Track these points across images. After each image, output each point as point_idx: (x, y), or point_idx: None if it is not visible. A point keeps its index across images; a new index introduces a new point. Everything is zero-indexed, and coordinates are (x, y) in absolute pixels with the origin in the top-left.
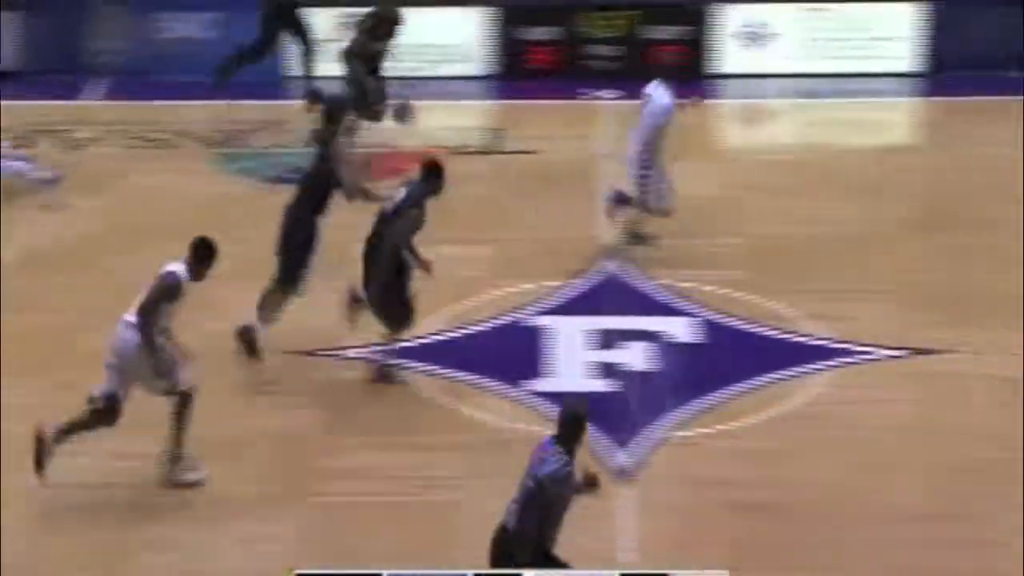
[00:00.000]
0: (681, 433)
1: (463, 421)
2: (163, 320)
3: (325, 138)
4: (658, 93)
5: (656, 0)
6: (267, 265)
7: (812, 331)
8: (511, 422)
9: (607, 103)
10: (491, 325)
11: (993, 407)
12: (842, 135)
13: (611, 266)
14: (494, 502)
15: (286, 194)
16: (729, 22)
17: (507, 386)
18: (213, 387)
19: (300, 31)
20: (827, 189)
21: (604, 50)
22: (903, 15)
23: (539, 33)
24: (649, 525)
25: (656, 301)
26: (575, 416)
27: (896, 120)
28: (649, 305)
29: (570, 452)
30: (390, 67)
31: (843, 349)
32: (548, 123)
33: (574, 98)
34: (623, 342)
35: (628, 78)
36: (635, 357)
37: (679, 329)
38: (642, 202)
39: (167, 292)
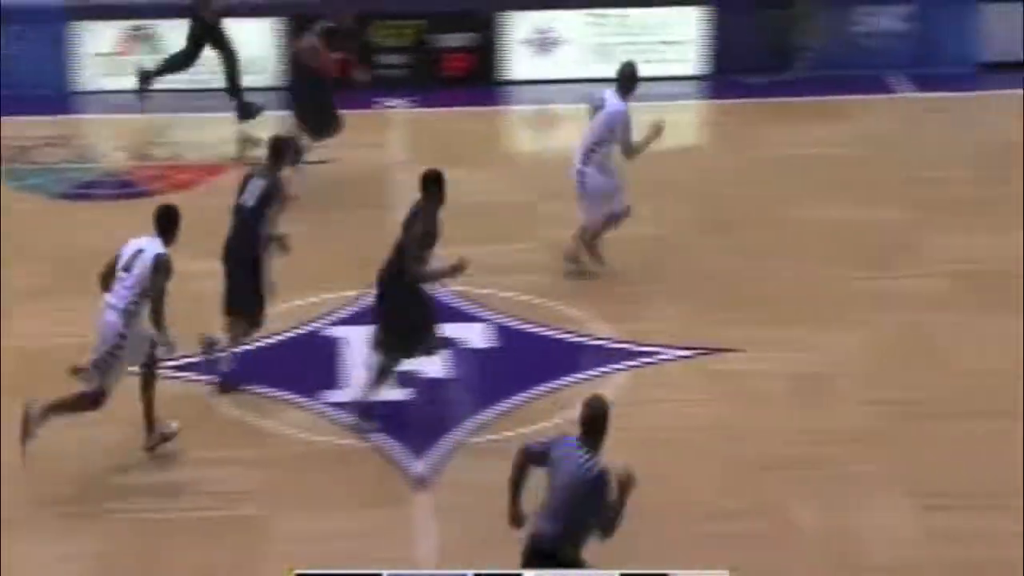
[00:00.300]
0: (479, 439)
1: (263, 434)
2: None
3: (272, 167)
4: (612, 100)
5: (444, 9)
6: (59, 281)
7: (608, 333)
8: (311, 434)
9: (399, 112)
10: (287, 337)
11: (786, 404)
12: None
13: None
14: (299, 515)
15: (74, 210)
16: (517, 29)
17: (305, 398)
18: (12, 405)
19: (223, 46)
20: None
21: (394, 59)
22: (687, 19)
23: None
24: (450, 531)
25: (451, 308)
26: (596, 414)
27: (683, 122)
28: (444, 312)
29: (594, 449)
30: (184, 80)
31: (639, 350)
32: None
33: (366, 107)
34: None
35: (419, 87)
36: (431, 364)
37: (475, 335)
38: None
39: (167, 272)
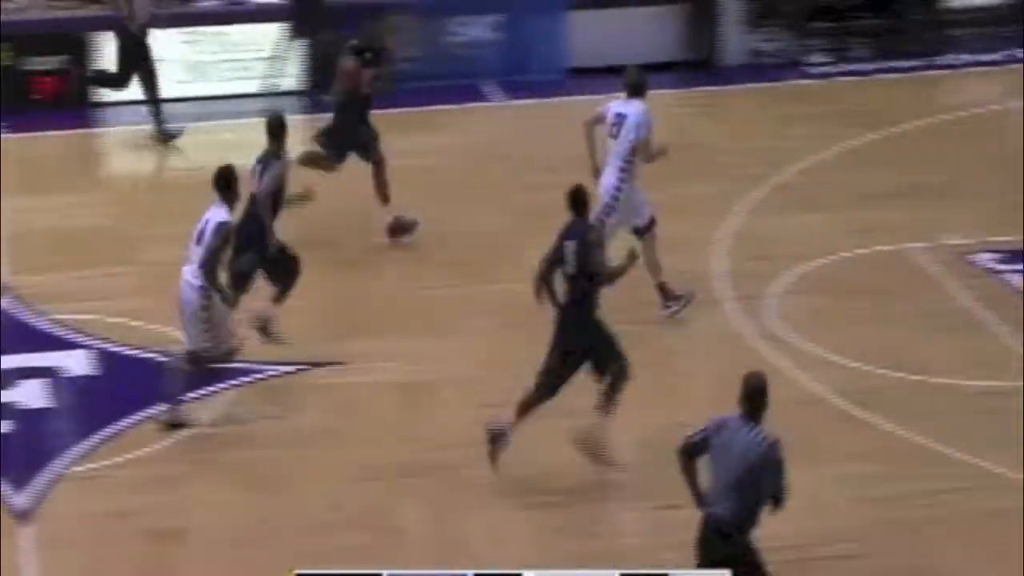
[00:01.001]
0: (83, 467)
1: None
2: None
3: (273, 153)
4: (632, 109)
5: (32, 31)
6: None
7: None
8: None
9: None
10: None
11: (393, 414)
12: (232, 157)
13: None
14: None
15: None
16: (109, 50)
17: None
18: None
19: (145, 62)
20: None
21: None
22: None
23: None
24: (54, 563)
25: (50, 335)
26: (756, 389)
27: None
28: (42, 340)
29: (758, 423)
30: None
31: (244, 368)
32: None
33: None
34: (17, 380)
35: (7, 111)
36: (31, 395)
37: (75, 362)
38: (604, 214)
39: (226, 239)
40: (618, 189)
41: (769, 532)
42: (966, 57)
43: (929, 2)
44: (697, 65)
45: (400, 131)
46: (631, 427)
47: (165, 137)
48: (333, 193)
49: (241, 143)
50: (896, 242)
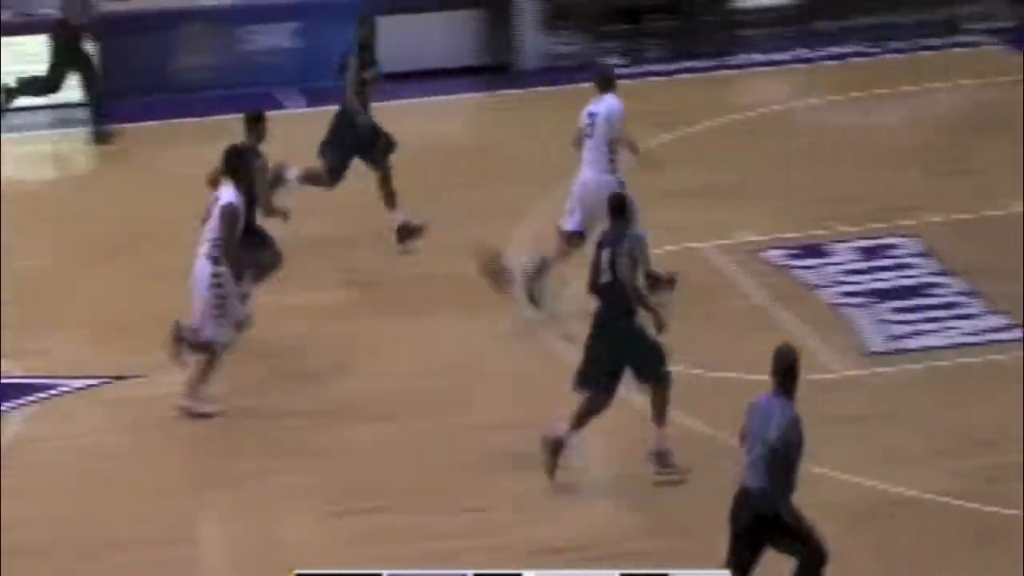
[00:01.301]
0: None
1: None
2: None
3: (250, 148)
4: (603, 105)
5: None
6: None
7: (4, 369)
8: None
9: None
10: None
11: (191, 428)
12: (22, 168)
13: None
14: None
15: None
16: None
17: None
18: None
19: (85, 62)
20: (11, 223)
21: None
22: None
23: None
24: None
25: None
26: (789, 364)
27: (73, 149)
28: None
29: (790, 396)
30: None
31: (37, 384)
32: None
33: None
34: None
35: None
36: None
37: None
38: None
39: (231, 219)
40: (622, 184)
41: (573, 533)
42: (757, 57)
43: (719, 2)
44: (495, 69)
45: (196, 140)
46: (433, 431)
47: (100, 138)
48: (125, 204)
49: (32, 155)
50: (692, 241)
